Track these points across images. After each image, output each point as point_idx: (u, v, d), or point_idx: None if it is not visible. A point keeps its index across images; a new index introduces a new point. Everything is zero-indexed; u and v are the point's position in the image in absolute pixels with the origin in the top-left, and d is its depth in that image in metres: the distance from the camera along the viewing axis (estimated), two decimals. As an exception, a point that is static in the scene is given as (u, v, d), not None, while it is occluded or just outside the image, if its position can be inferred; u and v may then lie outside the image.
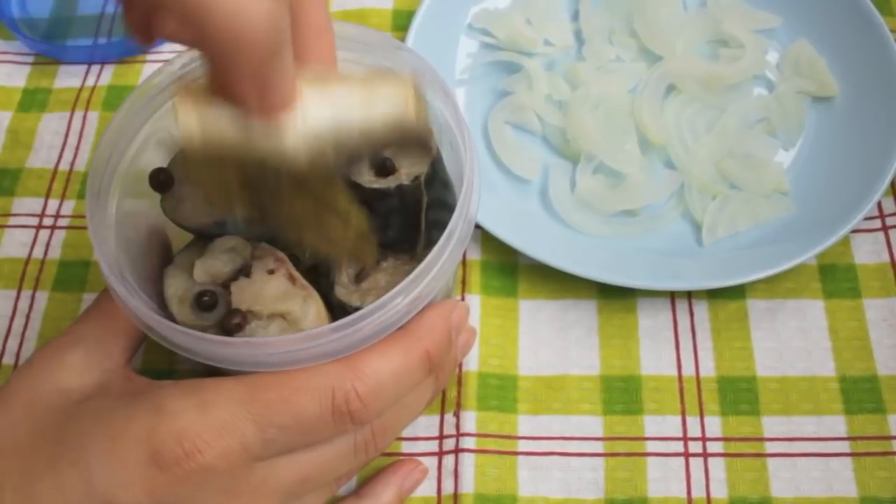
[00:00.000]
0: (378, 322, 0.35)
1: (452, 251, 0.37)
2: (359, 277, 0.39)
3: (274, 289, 0.37)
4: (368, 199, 0.39)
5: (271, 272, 0.38)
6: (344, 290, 0.39)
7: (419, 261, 0.36)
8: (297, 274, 0.38)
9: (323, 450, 0.35)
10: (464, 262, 0.50)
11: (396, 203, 0.39)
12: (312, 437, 0.33)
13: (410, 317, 0.36)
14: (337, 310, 0.39)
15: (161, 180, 0.41)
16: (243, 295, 0.37)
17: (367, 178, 0.40)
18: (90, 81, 0.59)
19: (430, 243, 0.39)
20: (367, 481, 0.43)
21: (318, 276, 0.40)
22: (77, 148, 0.56)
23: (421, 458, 0.44)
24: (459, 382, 0.46)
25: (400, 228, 0.40)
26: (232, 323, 0.37)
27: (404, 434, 0.45)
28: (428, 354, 0.35)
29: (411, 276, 0.35)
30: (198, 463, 0.31)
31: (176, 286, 0.39)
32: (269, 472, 0.33)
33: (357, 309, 0.35)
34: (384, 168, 0.40)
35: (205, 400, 0.32)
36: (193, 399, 0.32)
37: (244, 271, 0.38)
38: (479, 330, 0.48)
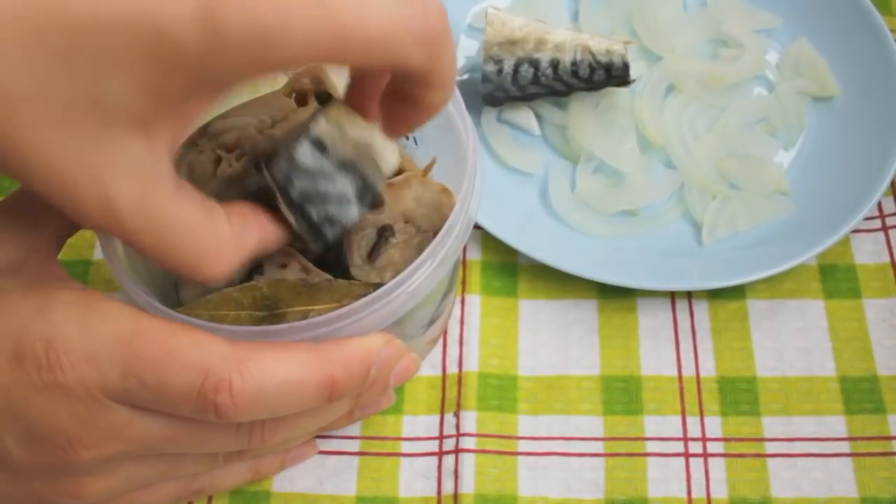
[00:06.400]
0: (418, 284, 0.35)
1: (467, 214, 0.37)
2: (371, 256, 0.39)
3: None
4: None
5: (283, 266, 0.38)
6: (360, 271, 0.39)
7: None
8: (309, 264, 0.38)
9: (187, 429, 0.32)
10: (464, 262, 0.50)
11: None
12: (171, 408, 0.31)
13: (440, 280, 0.36)
14: None
15: None
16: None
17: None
18: (90, 81, 0.59)
19: None
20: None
21: (329, 264, 0.40)
22: (76, 148, 0.56)
23: (421, 458, 0.44)
24: (459, 382, 0.46)
25: None
26: None
27: (404, 434, 0.45)
28: (332, 381, 0.31)
29: (440, 234, 0.36)
30: (55, 378, 0.29)
31: (192, 297, 0.39)
32: (128, 419, 0.31)
33: (380, 285, 0.35)
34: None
35: (88, 323, 0.30)
36: (78, 315, 0.30)
37: (257, 270, 0.38)
38: (479, 330, 0.48)
